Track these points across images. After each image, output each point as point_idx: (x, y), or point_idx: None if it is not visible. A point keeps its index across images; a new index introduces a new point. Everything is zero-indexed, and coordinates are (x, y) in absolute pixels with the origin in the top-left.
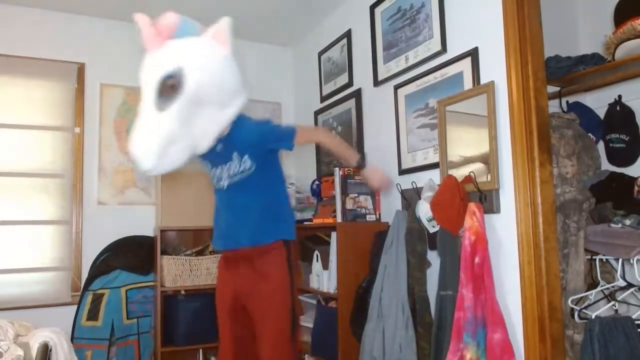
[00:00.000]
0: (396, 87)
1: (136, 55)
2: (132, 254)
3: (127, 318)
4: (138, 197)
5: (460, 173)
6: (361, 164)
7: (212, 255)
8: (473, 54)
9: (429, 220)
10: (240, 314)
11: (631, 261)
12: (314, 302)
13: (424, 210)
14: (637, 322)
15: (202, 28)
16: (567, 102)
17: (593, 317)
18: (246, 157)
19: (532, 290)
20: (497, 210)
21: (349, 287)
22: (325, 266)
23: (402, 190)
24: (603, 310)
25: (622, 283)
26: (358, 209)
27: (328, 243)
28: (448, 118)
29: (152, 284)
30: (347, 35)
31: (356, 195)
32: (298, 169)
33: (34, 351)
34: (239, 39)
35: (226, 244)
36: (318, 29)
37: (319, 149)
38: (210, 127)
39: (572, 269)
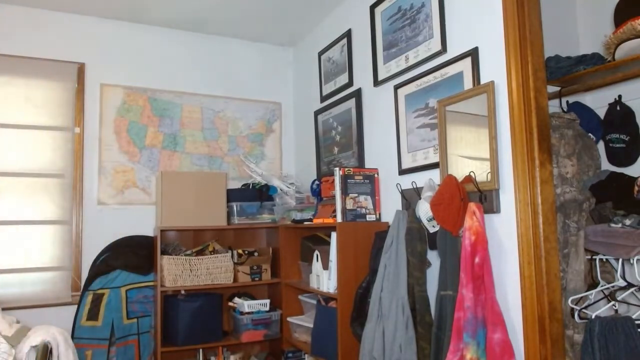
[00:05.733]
0: (396, 87)
1: (136, 55)
2: (132, 254)
3: (127, 318)
4: (138, 197)
5: (460, 173)
6: None
7: (212, 255)
8: (473, 54)
9: (429, 220)
10: None
11: (631, 261)
12: (314, 302)
13: (424, 210)
14: (637, 322)
15: None
16: (567, 102)
17: (593, 317)
18: None
19: (532, 290)
20: (497, 210)
21: (349, 287)
22: (325, 266)
23: (402, 190)
24: (603, 310)
25: (622, 283)
26: (358, 209)
27: (328, 243)
28: (448, 118)
29: (152, 284)
30: (347, 35)
31: (356, 195)
32: (298, 169)
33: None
34: (239, 39)
35: None
36: (318, 29)
37: (319, 148)
38: None
39: (572, 269)
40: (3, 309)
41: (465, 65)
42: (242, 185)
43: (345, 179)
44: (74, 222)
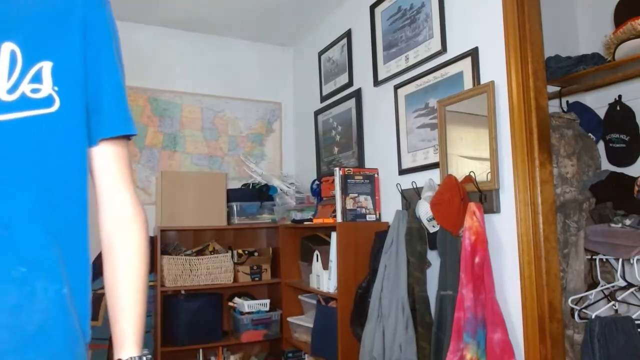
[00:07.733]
0: (396, 87)
1: (136, 55)
2: None
3: None
4: (138, 197)
5: (460, 173)
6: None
7: (212, 255)
8: (473, 54)
9: (429, 220)
10: None
11: (631, 261)
12: (314, 302)
13: (424, 210)
14: (637, 322)
15: None
16: (567, 102)
17: (593, 317)
18: (48, 66)
19: (532, 290)
20: (497, 210)
21: (349, 287)
22: (325, 266)
23: (402, 190)
24: (603, 310)
25: (622, 283)
26: (358, 209)
27: (328, 243)
28: (448, 118)
29: (152, 284)
30: (347, 35)
31: (356, 195)
32: (298, 169)
33: None
34: (239, 39)
35: None
36: (318, 29)
37: (319, 148)
38: None
39: (572, 269)
40: None
41: (465, 65)
42: (242, 185)
43: (345, 179)
44: None
